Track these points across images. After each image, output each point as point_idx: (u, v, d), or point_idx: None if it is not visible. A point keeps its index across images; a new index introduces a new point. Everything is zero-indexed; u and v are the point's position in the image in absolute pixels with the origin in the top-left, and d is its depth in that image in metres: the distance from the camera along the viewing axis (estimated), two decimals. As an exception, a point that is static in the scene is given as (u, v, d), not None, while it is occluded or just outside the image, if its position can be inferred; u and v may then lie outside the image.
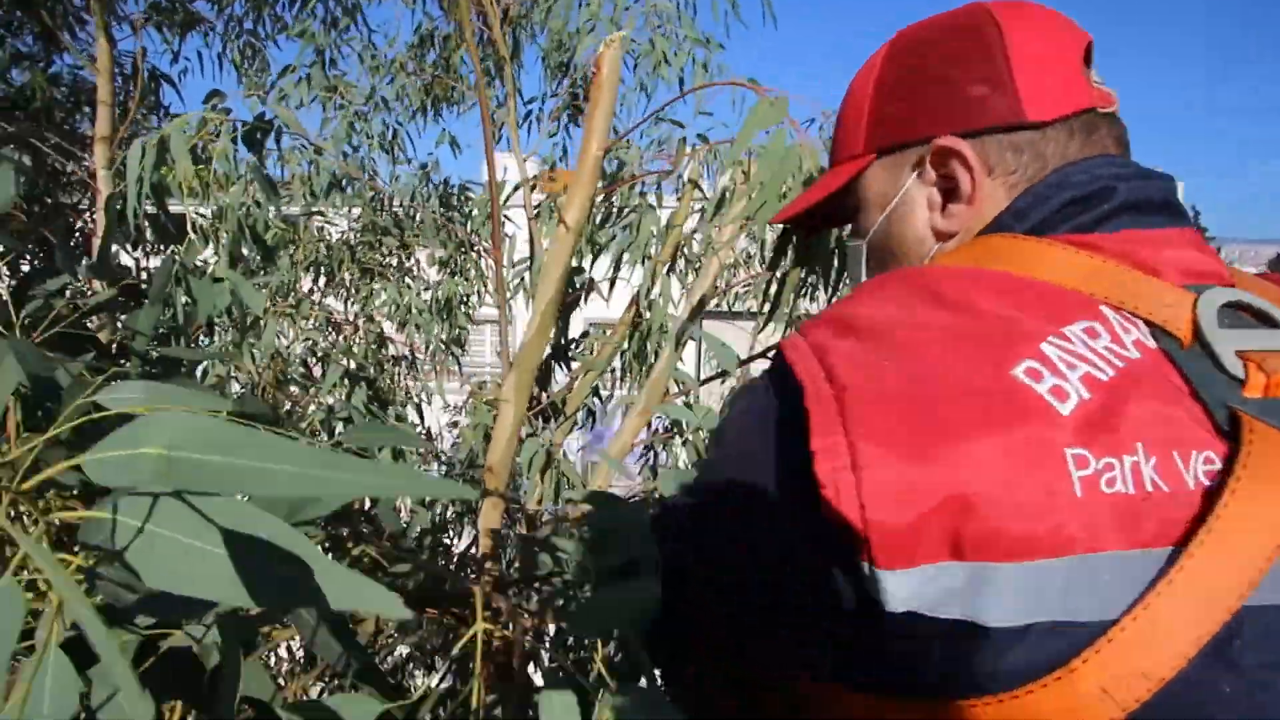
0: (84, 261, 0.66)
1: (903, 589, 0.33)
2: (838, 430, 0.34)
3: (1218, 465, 0.33)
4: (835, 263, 0.84)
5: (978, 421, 0.34)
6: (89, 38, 3.09)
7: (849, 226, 0.61)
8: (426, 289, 2.68)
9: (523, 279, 3.16)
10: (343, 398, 1.00)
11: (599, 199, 1.42)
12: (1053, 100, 0.46)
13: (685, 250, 1.60)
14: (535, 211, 1.75)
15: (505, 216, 3.18)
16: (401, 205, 2.83)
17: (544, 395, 1.36)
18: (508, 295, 3.77)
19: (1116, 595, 0.32)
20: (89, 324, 0.63)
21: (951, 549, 0.32)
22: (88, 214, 3.53)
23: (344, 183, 2.25)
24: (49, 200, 3.20)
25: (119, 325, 0.60)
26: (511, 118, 1.78)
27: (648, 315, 1.44)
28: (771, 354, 0.44)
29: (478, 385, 2.76)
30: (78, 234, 3.45)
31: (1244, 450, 0.32)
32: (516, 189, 1.51)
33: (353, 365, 2.51)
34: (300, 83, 2.12)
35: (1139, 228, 0.42)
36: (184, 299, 0.72)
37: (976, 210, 0.48)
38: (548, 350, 1.47)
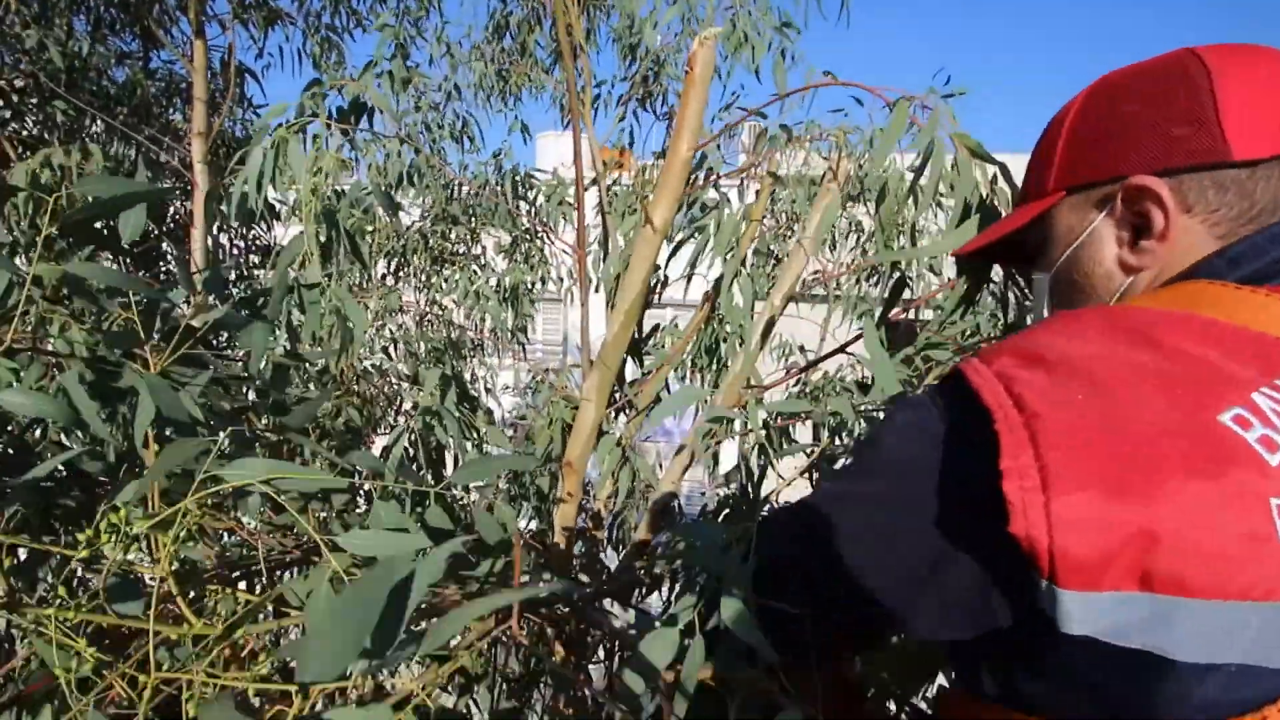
0: (196, 274, 0.69)
1: (1082, 611, 0.33)
2: (1027, 453, 0.34)
3: None
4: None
5: (1178, 462, 0.33)
6: (182, 34, 3.26)
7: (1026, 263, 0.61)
8: (495, 276, 2.72)
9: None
10: (435, 396, 1.03)
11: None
12: (1263, 138, 0.45)
13: (759, 243, 1.56)
14: (609, 201, 1.74)
15: (572, 204, 3.18)
16: (472, 192, 2.88)
17: (619, 391, 1.37)
18: (570, 282, 3.78)
19: None
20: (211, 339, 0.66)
21: (1140, 580, 0.33)
22: (180, 202, 3.76)
23: (416, 174, 2.29)
24: (148, 190, 3.41)
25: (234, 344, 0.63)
26: (587, 106, 1.77)
27: (721, 311, 1.42)
28: (948, 375, 0.44)
29: (544, 370, 2.80)
30: (172, 221, 3.68)
31: None
32: (595, 181, 1.51)
33: (424, 349, 2.59)
34: (383, 75, 2.18)
35: None
36: (296, 314, 0.75)
37: (1171, 246, 0.47)
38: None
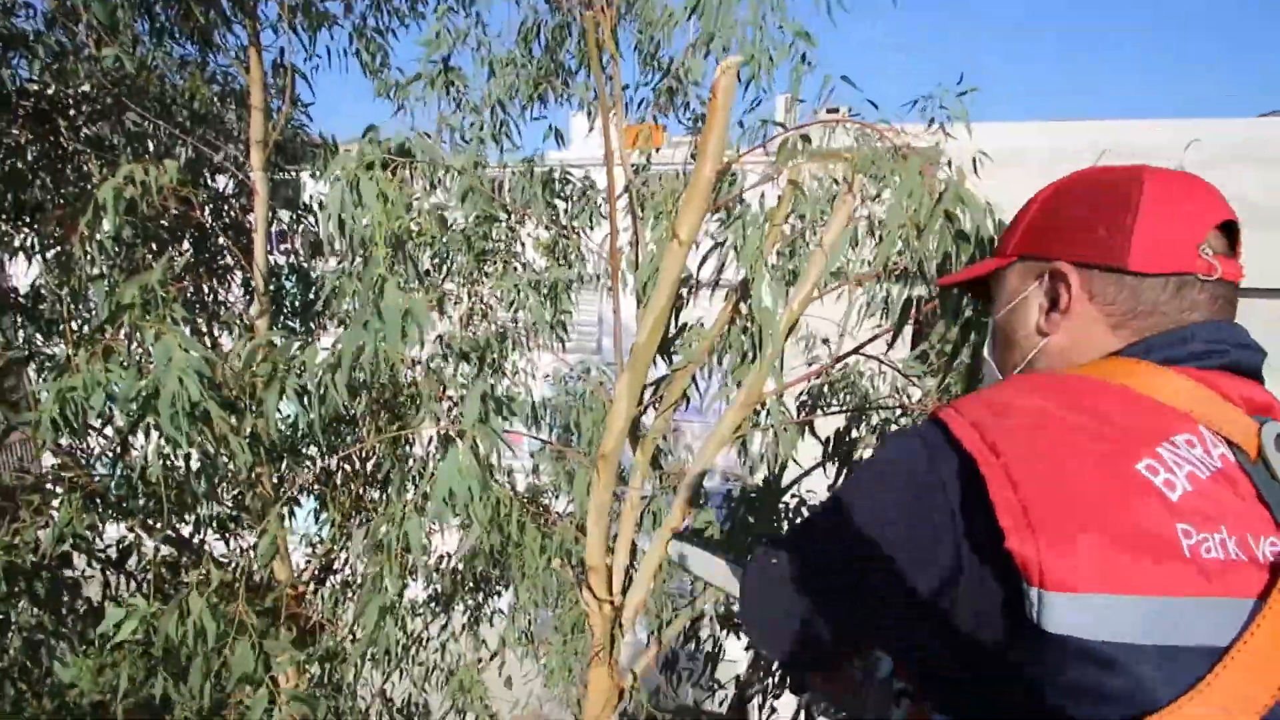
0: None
1: (1064, 610, 0.44)
2: (1012, 493, 0.47)
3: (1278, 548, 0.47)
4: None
5: (1111, 502, 0.46)
6: (235, 39, 3.44)
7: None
8: (535, 276, 2.84)
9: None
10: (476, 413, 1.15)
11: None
12: (1158, 258, 0.58)
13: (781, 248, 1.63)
14: (640, 196, 1.83)
15: (592, 196, 3.25)
16: (510, 193, 2.99)
17: (648, 389, 1.46)
18: (605, 279, 3.87)
19: (1220, 629, 0.45)
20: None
21: (1101, 584, 0.44)
22: (235, 199, 3.98)
23: (469, 192, 2.41)
24: (204, 186, 3.62)
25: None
26: (619, 113, 1.85)
27: (746, 311, 1.49)
28: (928, 418, 0.57)
29: (584, 370, 2.90)
30: (227, 218, 3.90)
31: None
32: (627, 189, 1.60)
33: (466, 344, 2.72)
34: (427, 87, 2.30)
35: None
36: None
37: (1071, 321, 0.61)
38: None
